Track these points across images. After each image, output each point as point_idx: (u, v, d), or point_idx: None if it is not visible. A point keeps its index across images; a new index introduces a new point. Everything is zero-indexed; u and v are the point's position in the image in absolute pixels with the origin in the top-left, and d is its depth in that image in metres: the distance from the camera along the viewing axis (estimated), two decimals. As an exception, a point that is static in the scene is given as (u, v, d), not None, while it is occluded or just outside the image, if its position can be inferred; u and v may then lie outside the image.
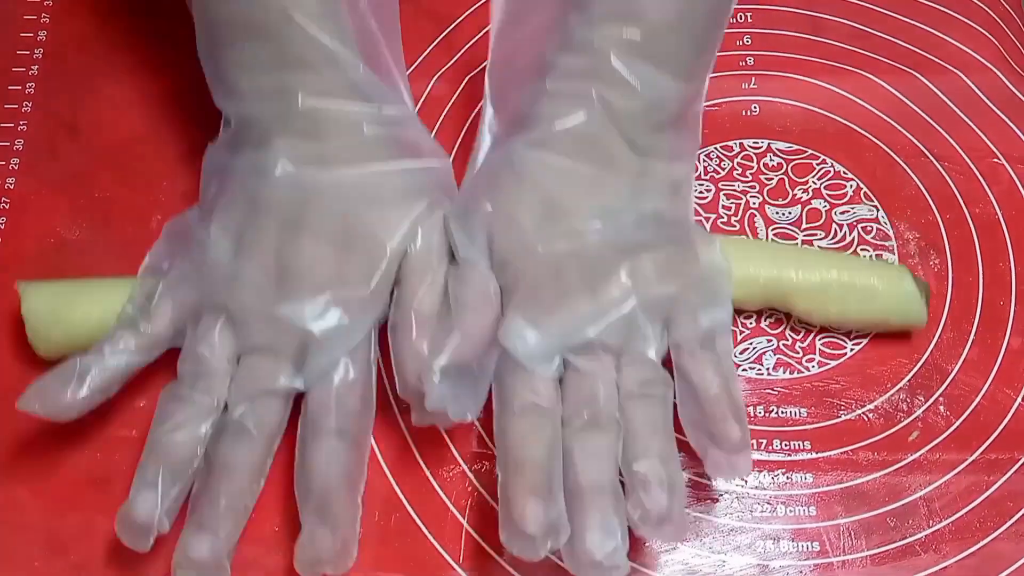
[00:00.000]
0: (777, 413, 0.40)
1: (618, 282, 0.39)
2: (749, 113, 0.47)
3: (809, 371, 0.41)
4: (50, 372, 0.37)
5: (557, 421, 0.37)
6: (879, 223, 0.44)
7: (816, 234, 0.44)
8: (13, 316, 0.42)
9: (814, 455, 0.39)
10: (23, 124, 0.47)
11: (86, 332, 0.40)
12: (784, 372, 0.41)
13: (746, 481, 0.39)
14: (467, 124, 0.47)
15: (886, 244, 0.43)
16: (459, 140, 0.46)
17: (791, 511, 0.38)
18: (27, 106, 0.48)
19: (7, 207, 0.45)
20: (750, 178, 0.46)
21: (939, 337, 0.42)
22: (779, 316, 0.42)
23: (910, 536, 0.38)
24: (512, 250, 0.40)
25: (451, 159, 0.44)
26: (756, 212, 0.45)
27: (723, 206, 0.45)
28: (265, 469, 0.38)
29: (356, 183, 0.40)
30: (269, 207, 0.39)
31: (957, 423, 0.40)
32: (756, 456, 0.39)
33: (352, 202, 0.40)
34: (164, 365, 0.41)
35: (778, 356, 0.41)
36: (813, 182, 0.45)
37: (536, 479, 0.35)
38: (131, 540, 0.36)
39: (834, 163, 0.45)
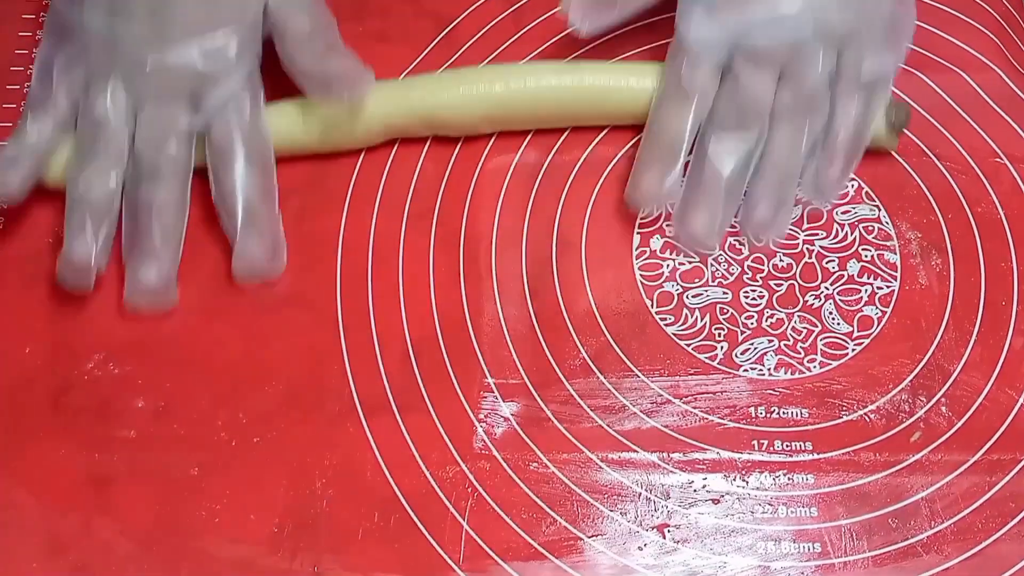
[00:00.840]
0: (778, 414, 0.40)
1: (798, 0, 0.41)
2: (751, 113, 0.47)
3: (810, 372, 0.41)
4: None
5: (705, 110, 0.42)
6: (881, 223, 0.44)
7: (818, 234, 0.44)
8: (12, 314, 0.42)
9: (815, 456, 0.39)
10: (23, 124, 0.47)
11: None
12: (785, 373, 0.41)
13: (747, 482, 0.39)
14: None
15: (888, 244, 0.43)
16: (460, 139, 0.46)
17: (792, 512, 0.38)
18: (27, 106, 0.48)
19: (6, 207, 0.45)
20: (751, 178, 0.45)
21: (941, 337, 0.41)
22: (780, 316, 0.42)
23: (912, 537, 0.38)
24: None
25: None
26: (757, 212, 0.44)
27: (724, 206, 0.45)
28: (185, 205, 0.42)
29: None
30: None
31: (959, 424, 0.40)
32: (757, 457, 0.39)
33: None
34: (161, 363, 0.41)
35: (779, 356, 0.41)
36: (815, 182, 0.45)
37: (664, 154, 0.41)
38: (74, 280, 0.41)
39: (836, 163, 0.45)
